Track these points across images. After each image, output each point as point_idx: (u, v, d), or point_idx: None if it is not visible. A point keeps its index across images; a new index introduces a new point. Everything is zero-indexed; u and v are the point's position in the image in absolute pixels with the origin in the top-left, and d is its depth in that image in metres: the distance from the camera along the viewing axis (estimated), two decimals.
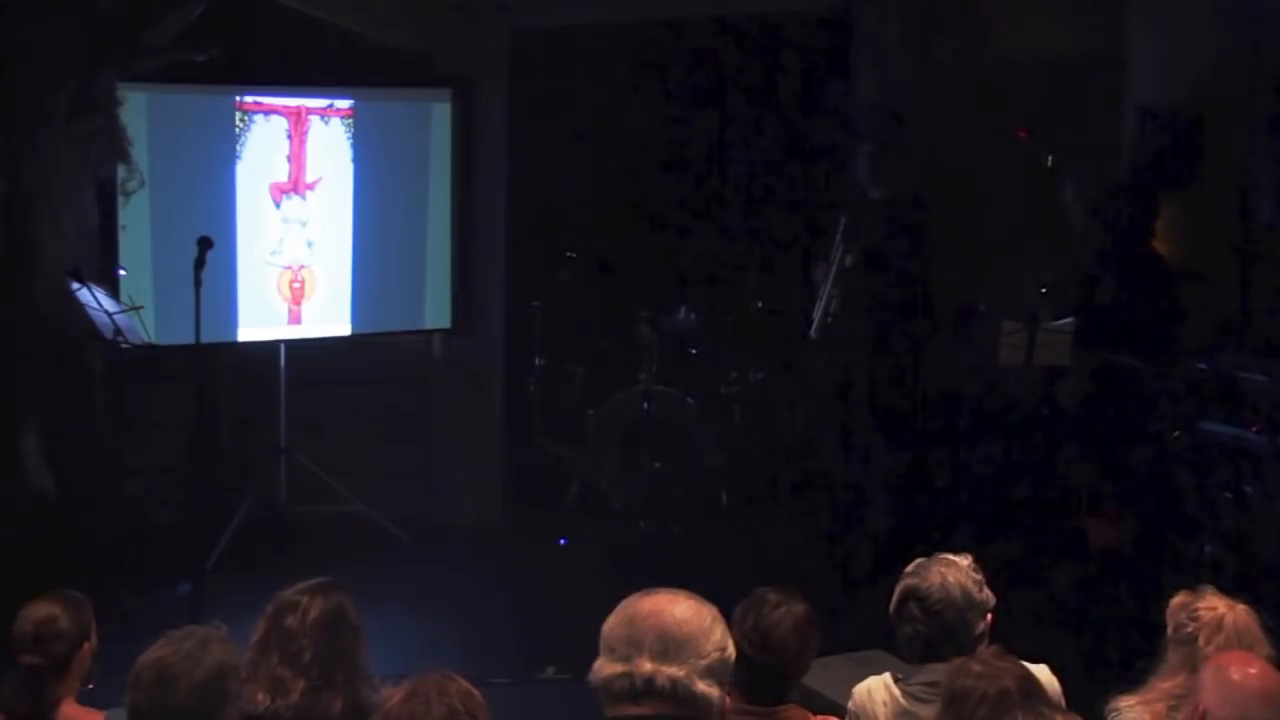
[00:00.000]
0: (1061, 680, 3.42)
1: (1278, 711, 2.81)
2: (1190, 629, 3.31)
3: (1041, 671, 3.36)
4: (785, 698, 3.27)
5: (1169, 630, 3.37)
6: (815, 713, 3.35)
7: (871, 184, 7.19)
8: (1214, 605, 3.33)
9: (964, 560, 3.43)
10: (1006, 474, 7.05)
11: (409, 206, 7.56)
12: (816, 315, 7.15)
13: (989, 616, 3.39)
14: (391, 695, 2.62)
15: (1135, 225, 6.52)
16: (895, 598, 3.41)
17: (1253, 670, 2.88)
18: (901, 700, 3.37)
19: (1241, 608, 3.34)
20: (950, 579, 3.35)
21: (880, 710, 3.39)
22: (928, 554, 3.48)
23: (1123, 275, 6.43)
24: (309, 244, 7.32)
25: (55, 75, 5.86)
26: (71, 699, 3.47)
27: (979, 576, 3.40)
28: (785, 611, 3.26)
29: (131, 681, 2.92)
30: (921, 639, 3.34)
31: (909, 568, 3.45)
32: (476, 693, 2.61)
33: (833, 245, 7.12)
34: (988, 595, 3.40)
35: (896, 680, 3.41)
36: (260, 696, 3.07)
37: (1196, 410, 6.00)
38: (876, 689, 3.43)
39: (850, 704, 3.46)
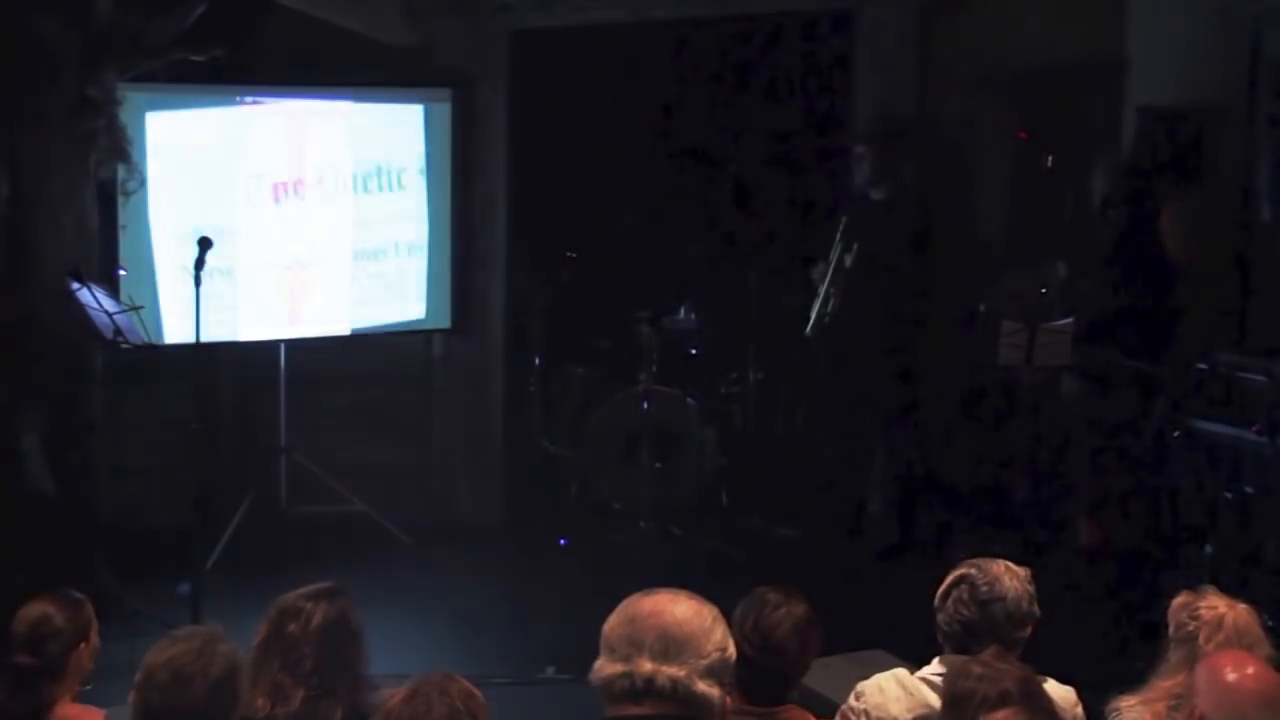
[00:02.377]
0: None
1: (1275, 713, 2.80)
2: (1191, 628, 3.32)
3: (1068, 696, 3.37)
4: (785, 698, 3.27)
5: (1170, 629, 3.38)
6: (815, 713, 3.35)
7: (871, 184, 7.18)
8: (1215, 605, 3.34)
9: (1023, 571, 3.44)
10: (1006, 474, 7.04)
11: (409, 206, 7.56)
12: (813, 314, 7.15)
13: (1030, 628, 3.40)
14: (393, 695, 2.62)
15: (1136, 225, 6.51)
16: (947, 582, 3.42)
17: (1249, 671, 2.87)
18: (917, 692, 3.35)
19: (1243, 607, 3.35)
20: (1008, 580, 3.37)
21: (894, 706, 3.36)
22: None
23: (1124, 275, 6.42)
24: (309, 244, 7.32)
25: (55, 75, 5.86)
26: (69, 699, 3.47)
27: (1032, 590, 3.42)
28: (786, 612, 3.25)
29: (141, 682, 2.91)
30: (964, 625, 3.34)
31: (967, 560, 3.47)
32: (478, 693, 2.62)
33: (832, 245, 7.12)
34: (1036, 610, 3.41)
35: (912, 672, 3.41)
36: (260, 702, 3.07)
37: (1196, 410, 5.99)
38: (887, 685, 3.40)
39: (857, 703, 3.41)
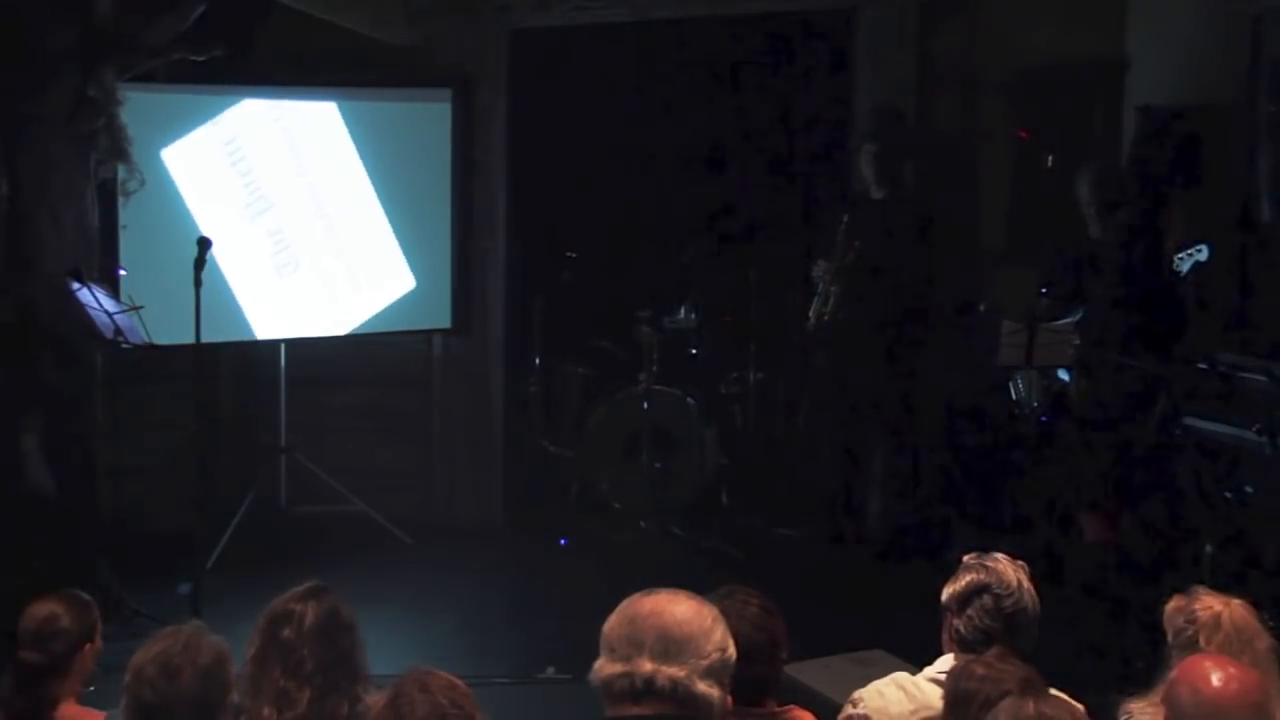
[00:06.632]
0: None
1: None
2: (1190, 632, 3.28)
3: (1076, 712, 3.33)
4: (771, 690, 3.23)
5: (1169, 637, 3.35)
6: (815, 713, 3.33)
7: (872, 184, 7.19)
8: (1210, 604, 3.32)
9: (1023, 565, 3.43)
10: (1006, 473, 7.04)
11: (409, 206, 7.56)
12: (813, 314, 7.16)
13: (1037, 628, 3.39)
14: (375, 703, 2.61)
15: (1137, 226, 6.52)
16: (964, 588, 3.37)
17: (1224, 674, 2.83)
18: (919, 693, 3.32)
19: (1237, 602, 3.33)
20: (1024, 584, 3.35)
21: (895, 709, 3.32)
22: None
23: (1125, 275, 6.42)
24: (309, 243, 7.32)
25: (55, 75, 5.86)
26: (72, 700, 3.50)
27: (1033, 585, 3.40)
28: (738, 614, 3.06)
29: (131, 680, 2.93)
30: (986, 633, 3.31)
31: (969, 559, 3.43)
32: (460, 683, 2.60)
33: (833, 244, 7.13)
34: (1038, 606, 3.39)
35: (913, 673, 3.38)
36: (266, 711, 3.04)
37: (1196, 410, 5.99)
38: (887, 690, 3.37)
39: (856, 709, 3.36)
